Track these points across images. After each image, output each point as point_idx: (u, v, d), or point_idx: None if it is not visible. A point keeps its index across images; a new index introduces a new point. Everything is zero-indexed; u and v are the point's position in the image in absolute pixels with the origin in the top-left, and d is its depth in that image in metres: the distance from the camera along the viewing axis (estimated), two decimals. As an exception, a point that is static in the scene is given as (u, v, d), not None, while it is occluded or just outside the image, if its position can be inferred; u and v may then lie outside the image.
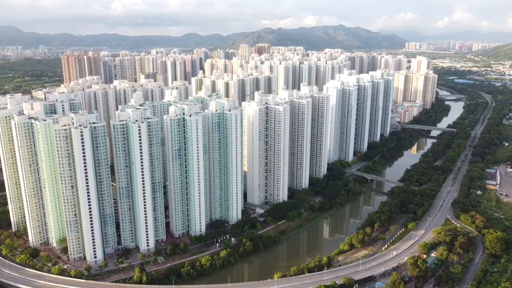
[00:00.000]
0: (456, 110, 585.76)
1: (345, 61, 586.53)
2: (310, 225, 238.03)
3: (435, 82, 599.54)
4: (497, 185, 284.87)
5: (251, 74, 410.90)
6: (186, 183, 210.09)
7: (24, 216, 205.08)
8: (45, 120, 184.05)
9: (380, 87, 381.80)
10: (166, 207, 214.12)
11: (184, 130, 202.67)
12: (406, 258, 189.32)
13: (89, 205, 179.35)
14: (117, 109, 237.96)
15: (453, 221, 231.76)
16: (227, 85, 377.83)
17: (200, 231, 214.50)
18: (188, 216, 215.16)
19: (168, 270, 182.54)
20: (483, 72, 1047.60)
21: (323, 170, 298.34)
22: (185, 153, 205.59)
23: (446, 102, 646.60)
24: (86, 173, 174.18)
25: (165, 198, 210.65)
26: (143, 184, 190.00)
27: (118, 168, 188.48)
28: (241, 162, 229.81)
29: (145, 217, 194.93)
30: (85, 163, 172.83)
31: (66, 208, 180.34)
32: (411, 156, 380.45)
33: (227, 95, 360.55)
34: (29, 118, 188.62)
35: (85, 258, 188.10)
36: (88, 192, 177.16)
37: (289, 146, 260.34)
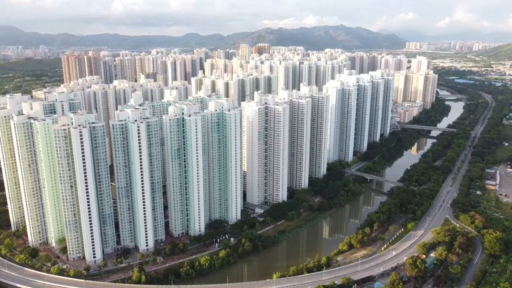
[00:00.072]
0: (456, 110, 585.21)
1: (345, 61, 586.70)
2: (309, 225, 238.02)
3: (435, 82, 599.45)
4: (497, 185, 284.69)
5: (251, 74, 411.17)
6: (186, 183, 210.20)
7: (24, 216, 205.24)
8: (44, 120, 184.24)
9: (380, 87, 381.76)
10: (165, 207, 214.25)
11: (184, 130, 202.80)
12: (405, 258, 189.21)
13: (88, 205, 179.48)
14: (116, 109, 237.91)
15: (452, 221, 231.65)
16: (227, 85, 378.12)
17: (199, 231, 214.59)
18: (187, 216, 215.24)
19: (167, 270, 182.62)
20: (484, 72, 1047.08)
21: (323, 170, 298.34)
22: (184, 153, 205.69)
23: (446, 102, 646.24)
24: (85, 173, 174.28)
25: (164, 198, 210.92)
26: (142, 184, 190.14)
27: (117, 168, 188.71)
28: (240, 162, 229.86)
29: (144, 217, 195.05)
30: (84, 163, 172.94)
31: (65, 208, 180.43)
32: (411, 156, 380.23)
33: (227, 95, 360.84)
34: (28, 118, 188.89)
35: (84, 258, 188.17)
36: (87, 192, 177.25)
37: (288, 146, 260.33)
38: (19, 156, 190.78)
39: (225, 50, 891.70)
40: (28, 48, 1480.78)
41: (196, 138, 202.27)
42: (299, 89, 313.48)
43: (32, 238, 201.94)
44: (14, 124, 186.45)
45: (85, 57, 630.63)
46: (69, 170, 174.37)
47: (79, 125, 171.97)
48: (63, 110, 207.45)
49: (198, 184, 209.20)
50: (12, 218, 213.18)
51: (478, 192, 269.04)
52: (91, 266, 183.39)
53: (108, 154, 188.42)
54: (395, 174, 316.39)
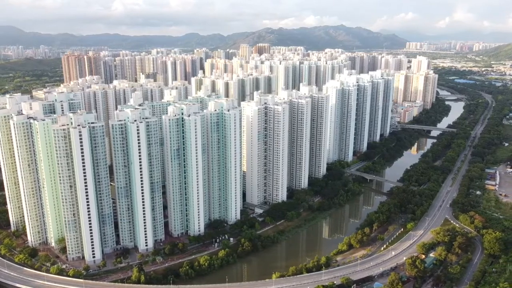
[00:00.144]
0: (456, 110, 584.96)
1: (345, 61, 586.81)
2: (309, 225, 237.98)
3: (435, 82, 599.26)
4: (497, 185, 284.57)
5: (251, 74, 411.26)
6: (185, 183, 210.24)
7: (23, 216, 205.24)
8: (44, 120, 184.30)
9: (379, 87, 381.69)
10: (165, 207, 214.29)
11: (183, 130, 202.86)
12: (404, 258, 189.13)
13: (88, 205, 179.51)
14: (116, 109, 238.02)
15: (452, 221, 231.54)
16: (226, 85, 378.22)
17: (199, 231, 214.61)
18: (186, 216, 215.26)
19: (167, 270, 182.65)
20: (484, 72, 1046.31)
21: (323, 170, 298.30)
22: (184, 153, 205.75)
23: (446, 102, 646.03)
24: (84, 173, 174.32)
25: (163, 198, 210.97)
26: (141, 184, 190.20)
27: (116, 168, 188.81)
28: (240, 162, 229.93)
29: (144, 217, 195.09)
30: (83, 163, 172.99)
31: (64, 208, 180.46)
32: (411, 156, 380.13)
33: (227, 95, 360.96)
34: (28, 118, 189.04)
35: (83, 258, 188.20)
36: (86, 192, 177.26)
37: (288, 146, 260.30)
38: (18, 156, 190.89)
39: (225, 50, 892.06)
40: (29, 48, 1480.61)
41: (196, 138, 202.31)
42: (299, 89, 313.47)
43: (31, 238, 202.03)
44: (14, 124, 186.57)
45: (85, 57, 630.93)
46: (68, 170, 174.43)
47: (78, 125, 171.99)
48: (62, 110, 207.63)
49: (197, 184, 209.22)
50: (11, 218, 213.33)
51: (478, 192, 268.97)
52: (90, 266, 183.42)
53: (107, 154, 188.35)
54: (395, 174, 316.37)
